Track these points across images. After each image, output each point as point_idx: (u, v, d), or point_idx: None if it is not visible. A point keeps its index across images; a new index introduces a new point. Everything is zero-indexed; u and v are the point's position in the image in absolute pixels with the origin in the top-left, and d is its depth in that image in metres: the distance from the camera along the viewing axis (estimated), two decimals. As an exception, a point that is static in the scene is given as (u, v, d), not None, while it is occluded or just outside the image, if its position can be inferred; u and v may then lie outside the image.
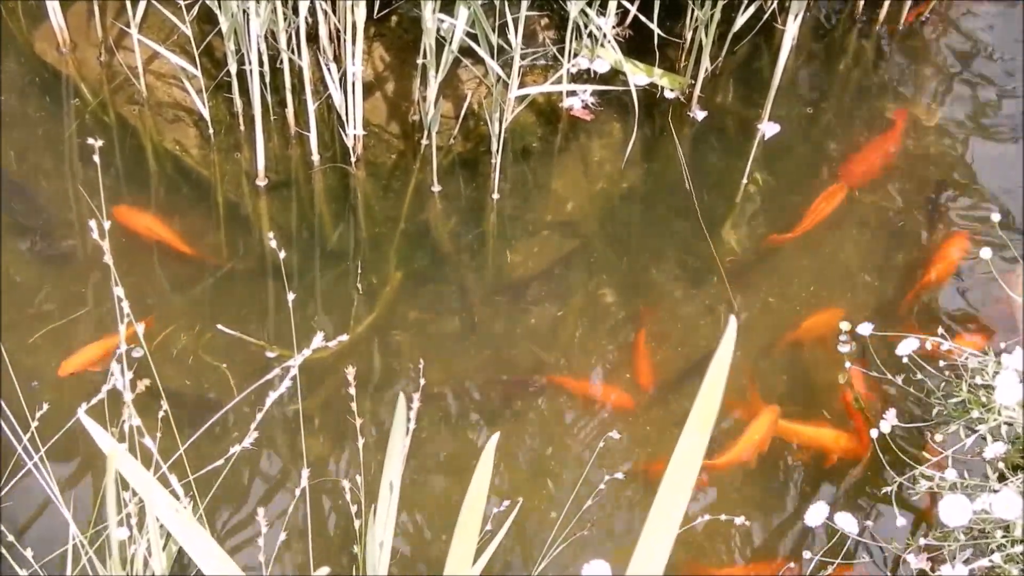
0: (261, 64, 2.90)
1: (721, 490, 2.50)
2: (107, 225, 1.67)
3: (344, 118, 2.96)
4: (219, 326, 2.63)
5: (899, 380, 2.37)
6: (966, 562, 2.06)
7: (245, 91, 2.98)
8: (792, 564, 2.28)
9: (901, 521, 2.19)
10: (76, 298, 2.72)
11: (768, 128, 3.16)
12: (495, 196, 3.02)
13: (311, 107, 2.95)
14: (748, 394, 2.61)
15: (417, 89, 3.08)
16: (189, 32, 2.93)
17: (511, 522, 2.13)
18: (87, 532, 1.96)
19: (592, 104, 3.22)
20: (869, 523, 2.18)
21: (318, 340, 1.78)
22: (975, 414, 2.16)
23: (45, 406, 1.89)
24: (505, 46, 2.88)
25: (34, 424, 1.85)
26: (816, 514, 2.18)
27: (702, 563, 2.38)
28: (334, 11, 2.92)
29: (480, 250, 2.95)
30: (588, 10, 2.97)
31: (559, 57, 3.13)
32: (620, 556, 2.28)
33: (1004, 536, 2.05)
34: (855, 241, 2.98)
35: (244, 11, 2.77)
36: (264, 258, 2.85)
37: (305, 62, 2.90)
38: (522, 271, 2.90)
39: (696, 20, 3.10)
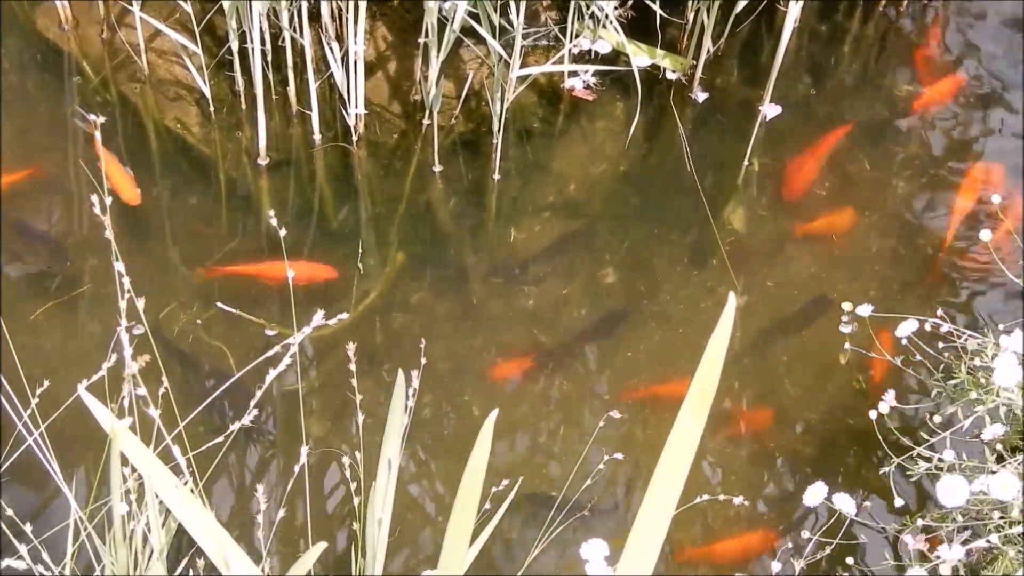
0: (263, 42, 2.89)
1: (720, 470, 2.51)
2: (108, 201, 1.66)
3: (346, 97, 2.95)
4: (219, 304, 2.63)
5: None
6: (964, 543, 2.06)
7: (247, 69, 2.97)
8: (789, 544, 2.29)
9: (899, 502, 2.20)
10: (77, 275, 2.73)
11: (770, 109, 3.15)
12: (496, 176, 3.01)
13: (313, 86, 2.94)
14: None
15: (419, 69, 3.07)
16: (190, 9, 2.92)
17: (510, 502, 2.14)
18: (87, 508, 1.97)
19: (594, 85, 3.21)
20: (867, 504, 2.18)
21: (318, 318, 1.78)
22: (973, 395, 2.16)
23: (46, 383, 1.89)
24: (507, 26, 2.87)
25: (35, 401, 1.85)
26: (814, 494, 2.19)
27: (700, 544, 2.39)
28: (336, -11, 2.92)
29: (481, 230, 2.95)
30: (590, -10, 2.97)
31: (561, 38, 3.12)
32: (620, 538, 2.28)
33: (1001, 518, 2.05)
34: (857, 223, 2.98)
35: (246, -11, 2.77)
36: (265, 237, 2.85)
37: (307, 41, 2.89)
38: (523, 251, 2.90)
39: (698, 1, 3.09)
